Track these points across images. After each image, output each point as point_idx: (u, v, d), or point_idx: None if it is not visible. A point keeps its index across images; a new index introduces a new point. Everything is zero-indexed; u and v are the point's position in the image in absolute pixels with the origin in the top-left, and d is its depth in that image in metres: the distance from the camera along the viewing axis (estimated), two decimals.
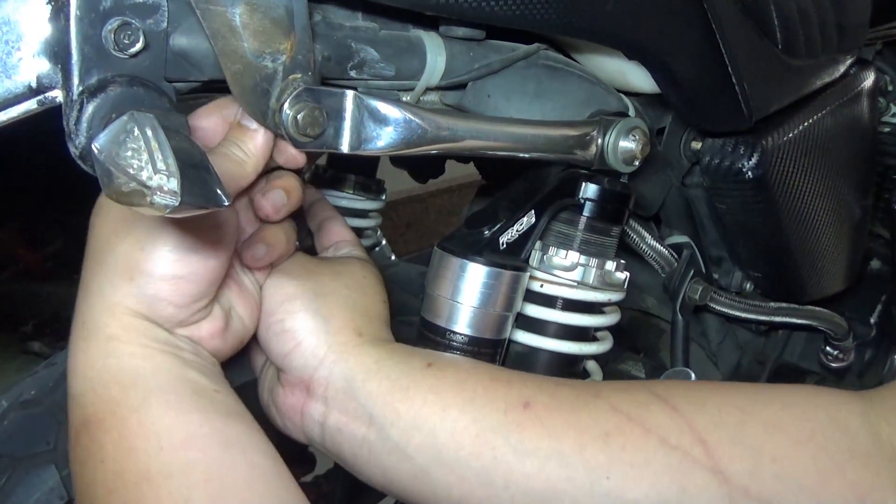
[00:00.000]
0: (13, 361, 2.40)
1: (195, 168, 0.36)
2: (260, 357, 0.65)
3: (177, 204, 0.34)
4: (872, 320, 1.11)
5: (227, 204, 0.36)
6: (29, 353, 2.41)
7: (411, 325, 0.84)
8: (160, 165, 0.34)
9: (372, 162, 1.04)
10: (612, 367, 1.01)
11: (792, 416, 0.53)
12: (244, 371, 0.83)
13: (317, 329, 0.58)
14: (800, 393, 0.56)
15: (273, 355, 0.59)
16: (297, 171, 0.59)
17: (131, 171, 0.36)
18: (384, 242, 1.12)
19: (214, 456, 0.48)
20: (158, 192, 0.34)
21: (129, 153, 0.37)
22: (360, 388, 0.56)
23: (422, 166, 1.07)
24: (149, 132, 0.36)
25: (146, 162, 0.35)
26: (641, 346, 1.05)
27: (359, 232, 1.02)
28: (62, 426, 0.67)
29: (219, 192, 0.36)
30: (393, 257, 1.13)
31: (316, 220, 0.71)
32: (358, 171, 1.01)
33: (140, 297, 0.50)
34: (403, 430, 0.55)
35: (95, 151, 0.37)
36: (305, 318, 0.58)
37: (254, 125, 0.53)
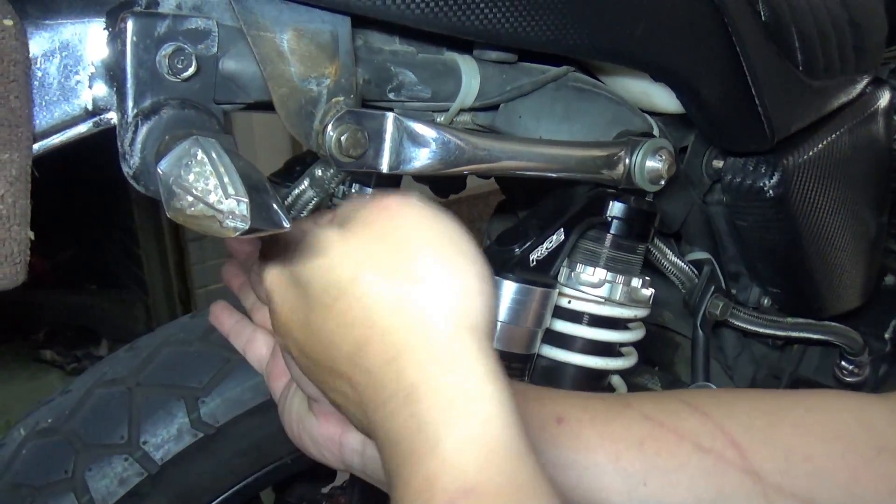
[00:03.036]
0: (25, 369, 2.41)
1: (257, 191, 0.38)
2: (279, 381, 0.64)
3: (247, 227, 0.36)
4: (887, 335, 1.12)
5: (288, 226, 0.38)
6: (41, 360, 2.43)
7: None
8: (230, 190, 0.35)
9: (396, 177, 1.05)
10: (628, 380, 1.02)
11: (818, 418, 0.55)
12: (258, 392, 0.82)
13: None
14: (823, 396, 0.57)
15: (308, 386, 0.58)
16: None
17: (197, 194, 0.37)
18: None
19: None
20: (230, 216, 0.35)
21: (193, 176, 0.39)
22: None
23: (444, 181, 1.08)
24: (214, 156, 0.38)
25: (214, 186, 0.36)
26: (657, 360, 1.06)
27: None
28: (79, 454, 0.66)
29: (281, 214, 0.37)
30: None
31: None
32: (381, 185, 1.01)
33: None
34: None
35: (160, 174, 0.39)
36: None
37: None
